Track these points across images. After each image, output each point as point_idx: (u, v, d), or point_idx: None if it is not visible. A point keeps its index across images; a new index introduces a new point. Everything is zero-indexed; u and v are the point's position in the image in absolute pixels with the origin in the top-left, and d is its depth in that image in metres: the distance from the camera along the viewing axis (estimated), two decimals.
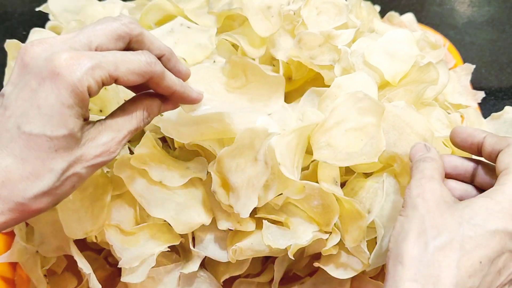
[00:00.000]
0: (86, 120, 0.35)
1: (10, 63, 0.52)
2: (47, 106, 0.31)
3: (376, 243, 0.47)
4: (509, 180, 0.36)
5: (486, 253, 0.34)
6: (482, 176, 0.41)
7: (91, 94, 0.33)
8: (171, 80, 0.38)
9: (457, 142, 0.42)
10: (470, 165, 0.42)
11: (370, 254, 0.45)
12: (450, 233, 0.34)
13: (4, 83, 0.52)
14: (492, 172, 0.40)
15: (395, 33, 0.53)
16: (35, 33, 0.53)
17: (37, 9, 0.57)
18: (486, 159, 0.41)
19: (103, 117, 0.36)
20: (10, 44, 0.52)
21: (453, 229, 0.34)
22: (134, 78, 0.35)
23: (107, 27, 0.35)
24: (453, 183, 0.42)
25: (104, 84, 0.33)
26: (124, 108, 0.37)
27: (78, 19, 0.53)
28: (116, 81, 0.34)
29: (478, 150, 0.41)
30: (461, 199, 0.39)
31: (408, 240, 0.35)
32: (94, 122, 0.36)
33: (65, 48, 0.33)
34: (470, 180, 0.42)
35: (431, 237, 0.34)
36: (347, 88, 0.47)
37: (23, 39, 0.52)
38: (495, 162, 0.39)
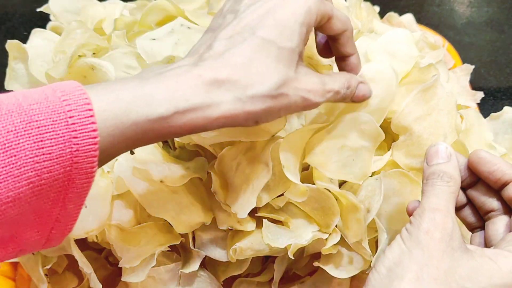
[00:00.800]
0: (302, 55, 0.37)
1: (11, 63, 0.52)
2: (282, 19, 0.34)
3: (376, 242, 0.47)
4: None
5: None
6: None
7: (312, 24, 0.36)
8: (353, 42, 0.41)
9: (480, 171, 0.39)
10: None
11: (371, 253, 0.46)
12: None
13: (5, 84, 0.52)
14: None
15: (395, 33, 0.53)
16: (36, 34, 0.53)
17: (38, 10, 0.57)
18: (505, 199, 0.38)
19: None
20: (11, 45, 0.52)
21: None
22: (338, 26, 0.39)
23: None
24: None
25: (321, 21, 0.37)
26: (330, 74, 0.40)
27: (79, 20, 0.53)
28: (325, 23, 0.38)
29: (500, 186, 0.38)
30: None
31: (404, 282, 0.33)
32: (307, 67, 0.38)
33: None
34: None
35: None
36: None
37: (24, 39, 0.52)
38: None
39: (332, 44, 0.41)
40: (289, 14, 0.35)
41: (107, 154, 0.31)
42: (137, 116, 0.30)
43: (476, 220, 0.41)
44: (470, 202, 0.41)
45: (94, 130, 0.29)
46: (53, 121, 0.28)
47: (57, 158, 0.28)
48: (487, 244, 0.39)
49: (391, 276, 0.34)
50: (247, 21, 0.35)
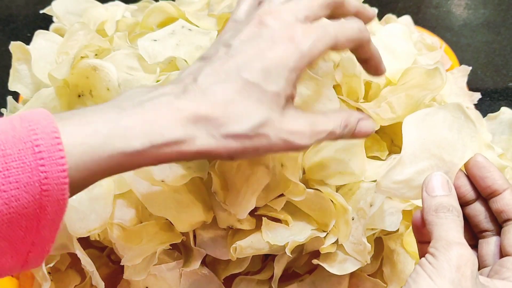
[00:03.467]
0: (293, 98, 0.36)
1: (15, 64, 0.53)
2: (271, 64, 0.34)
3: (375, 240, 0.48)
4: None
5: None
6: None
7: (311, 64, 0.36)
8: (373, 46, 0.41)
9: (473, 174, 0.39)
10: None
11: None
12: None
13: (9, 84, 0.53)
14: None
15: (393, 27, 0.54)
16: (39, 35, 0.53)
17: (41, 12, 0.57)
18: (492, 210, 0.38)
19: None
20: (15, 46, 0.52)
21: None
22: (349, 45, 0.38)
23: None
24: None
25: (323, 53, 0.36)
26: (324, 113, 0.39)
27: (81, 21, 0.53)
28: (332, 48, 0.37)
29: (489, 195, 0.38)
30: None
31: None
32: (297, 108, 0.37)
33: (294, 19, 0.36)
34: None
35: None
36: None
37: (27, 41, 0.53)
38: (501, 222, 0.38)
39: (351, 51, 0.41)
40: (279, 59, 0.34)
41: (82, 183, 0.31)
42: (113, 150, 0.30)
43: (468, 239, 0.40)
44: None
45: (62, 158, 0.28)
46: (19, 150, 0.28)
47: (24, 187, 0.28)
48: (480, 263, 0.38)
49: None
50: (236, 60, 0.34)
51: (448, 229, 0.35)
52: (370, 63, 0.42)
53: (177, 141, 0.32)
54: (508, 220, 0.37)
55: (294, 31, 0.35)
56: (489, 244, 0.38)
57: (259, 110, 0.34)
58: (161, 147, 0.32)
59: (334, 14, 0.39)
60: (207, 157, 0.34)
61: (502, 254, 0.37)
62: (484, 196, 0.39)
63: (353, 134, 0.39)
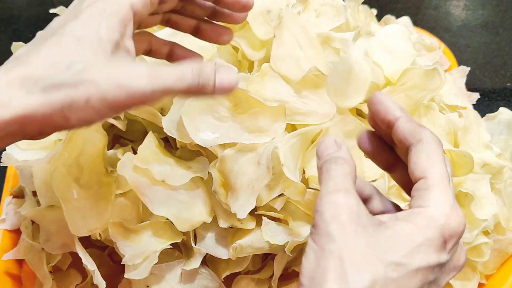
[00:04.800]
0: (125, 49, 0.35)
1: None
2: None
3: None
4: (431, 200, 0.31)
5: None
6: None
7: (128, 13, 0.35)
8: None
9: (371, 111, 0.36)
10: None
11: None
12: (372, 275, 0.29)
13: None
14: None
15: (392, 28, 0.54)
16: None
17: (51, 11, 0.57)
18: (396, 143, 0.35)
19: None
20: (17, 47, 0.52)
21: (375, 270, 0.29)
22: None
23: None
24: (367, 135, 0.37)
25: None
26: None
27: None
28: None
29: (388, 129, 0.35)
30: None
31: (328, 284, 0.29)
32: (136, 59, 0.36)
33: None
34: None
35: (353, 281, 0.28)
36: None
37: (29, 41, 0.53)
38: (405, 153, 0.35)
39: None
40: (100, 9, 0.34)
41: None
42: None
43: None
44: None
45: None
46: None
47: None
48: None
49: (314, 285, 0.29)
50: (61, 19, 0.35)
51: (327, 180, 0.32)
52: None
53: None
54: (409, 146, 0.34)
55: None
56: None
57: (78, 56, 0.32)
58: None
59: None
60: (33, 123, 0.31)
61: (412, 182, 0.33)
62: (385, 130, 0.36)
63: (213, 90, 0.34)
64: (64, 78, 0.31)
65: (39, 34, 0.36)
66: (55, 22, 0.35)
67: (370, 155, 0.38)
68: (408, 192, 0.35)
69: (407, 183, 0.35)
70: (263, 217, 0.47)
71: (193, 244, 0.49)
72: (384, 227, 0.31)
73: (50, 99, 0.31)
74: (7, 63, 0.33)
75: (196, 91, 0.34)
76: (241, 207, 0.46)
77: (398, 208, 0.37)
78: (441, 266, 0.31)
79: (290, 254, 0.46)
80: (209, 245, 0.49)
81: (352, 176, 0.33)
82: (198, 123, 0.46)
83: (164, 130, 0.47)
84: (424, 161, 0.32)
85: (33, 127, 0.31)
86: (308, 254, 0.30)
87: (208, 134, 0.46)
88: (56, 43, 0.33)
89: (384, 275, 0.29)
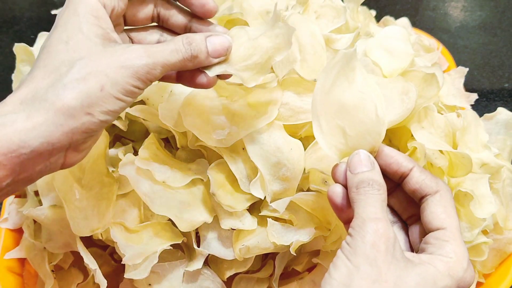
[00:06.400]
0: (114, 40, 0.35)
1: (19, 65, 0.53)
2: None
3: None
4: (452, 252, 0.34)
5: None
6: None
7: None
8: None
9: (382, 165, 0.38)
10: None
11: None
12: None
13: (13, 86, 0.53)
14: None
15: (391, 29, 0.54)
16: (43, 37, 0.54)
17: (53, 12, 0.57)
18: (408, 192, 0.38)
19: None
20: (19, 48, 0.52)
21: None
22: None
23: None
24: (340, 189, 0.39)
25: None
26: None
27: None
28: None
29: (401, 179, 0.38)
30: None
31: None
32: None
33: None
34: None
35: None
36: None
37: (31, 42, 0.53)
38: (418, 201, 0.37)
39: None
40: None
41: None
42: None
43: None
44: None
45: None
46: None
47: None
48: (413, 249, 0.38)
49: None
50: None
51: (366, 205, 0.34)
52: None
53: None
54: (423, 197, 0.37)
55: None
56: (416, 228, 0.38)
57: (74, 56, 0.33)
58: None
59: None
60: (60, 130, 0.32)
61: (425, 232, 0.36)
62: (398, 182, 0.38)
63: (207, 55, 0.37)
64: (71, 77, 0.32)
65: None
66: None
67: (339, 209, 0.39)
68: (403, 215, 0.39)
69: (403, 210, 0.39)
70: (268, 219, 0.47)
71: (195, 246, 0.49)
72: (412, 265, 0.33)
73: (66, 98, 0.31)
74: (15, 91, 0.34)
75: (192, 60, 0.36)
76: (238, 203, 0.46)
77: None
78: None
79: (294, 254, 0.46)
80: (212, 246, 0.49)
81: (386, 203, 0.36)
82: (204, 127, 0.46)
83: (159, 117, 0.47)
84: (443, 212, 0.35)
85: (63, 137, 0.32)
86: (339, 266, 0.33)
87: (219, 133, 0.46)
88: (48, 54, 0.33)
89: None
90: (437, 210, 0.36)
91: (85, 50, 0.33)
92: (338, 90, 0.38)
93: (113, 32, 0.35)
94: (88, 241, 0.50)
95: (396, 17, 0.70)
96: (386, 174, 0.38)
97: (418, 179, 0.37)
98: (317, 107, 0.38)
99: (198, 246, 0.49)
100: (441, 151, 0.49)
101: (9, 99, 0.32)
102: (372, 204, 0.35)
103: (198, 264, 0.49)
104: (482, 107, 0.75)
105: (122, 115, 0.50)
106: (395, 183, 0.39)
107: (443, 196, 0.36)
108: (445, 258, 0.34)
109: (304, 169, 0.46)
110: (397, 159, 0.37)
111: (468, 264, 0.34)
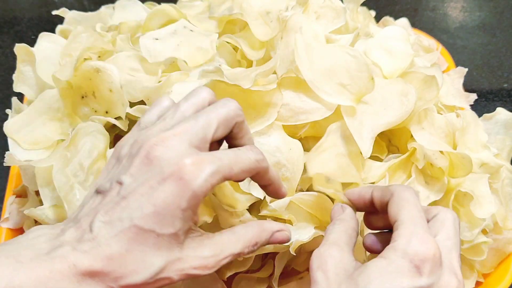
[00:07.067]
0: (195, 223, 0.35)
1: (20, 66, 0.53)
2: (163, 206, 0.32)
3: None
4: (399, 235, 0.35)
5: None
6: None
7: (198, 203, 0.34)
8: (273, 173, 0.39)
9: (355, 206, 0.42)
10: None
11: None
12: None
13: (14, 86, 0.53)
14: None
15: (391, 30, 0.55)
16: (44, 37, 0.53)
17: (53, 13, 0.57)
18: (381, 213, 0.40)
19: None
20: (19, 48, 0.52)
21: None
22: (244, 176, 0.36)
23: (219, 114, 0.36)
24: (372, 236, 0.41)
25: (217, 184, 0.34)
26: (234, 231, 0.38)
27: (86, 25, 0.54)
28: (227, 179, 0.35)
29: (372, 206, 0.40)
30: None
31: None
32: (202, 233, 0.36)
33: (186, 147, 0.34)
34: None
35: None
36: None
37: (32, 43, 0.53)
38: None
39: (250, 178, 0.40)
40: (171, 200, 0.33)
41: None
42: None
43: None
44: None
45: None
46: None
47: None
48: None
49: None
50: (129, 203, 0.33)
51: (323, 240, 0.38)
52: (269, 189, 0.41)
53: None
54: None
55: (184, 165, 0.33)
56: None
57: (157, 257, 0.33)
58: None
59: (233, 134, 0.38)
60: None
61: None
62: (381, 212, 0.40)
63: (269, 242, 0.40)
64: (142, 280, 0.33)
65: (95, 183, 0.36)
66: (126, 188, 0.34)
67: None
68: None
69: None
70: (267, 218, 0.47)
71: None
72: (364, 267, 0.34)
73: None
74: (77, 225, 0.34)
75: (246, 254, 0.38)
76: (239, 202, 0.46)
77: None
78: None
79: (294, 254, 0.46)
80: None
81: (348, 233, 0.38)
82: None
83: None
84: (395, 208, 0.36)
85: None
86: None
87: None
88: (129, 236, 0.33)
89: None
90: (391, 209, 0.37)
91: (167, 252, 0.34)
92: None
93: (196, 215, 0.35)
94: None
95: (396, 17, 0.71)
96: (363, 210, 0.42)
97: (377, 195, 0.39)
98: None
99: None
100: (441, 152, 0.49)
101: None
102: (327, 236, 0.38)
103: None
104: (481, 107, 0.75)
105: (123, 115, 0.50)
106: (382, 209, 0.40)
107: (395, 195, 0.37)
108: (391, 245, 0.34)
109: (304, 169, 0.47)
110: (355, 192, 0.42)
111: (417, 237, 0.34)
